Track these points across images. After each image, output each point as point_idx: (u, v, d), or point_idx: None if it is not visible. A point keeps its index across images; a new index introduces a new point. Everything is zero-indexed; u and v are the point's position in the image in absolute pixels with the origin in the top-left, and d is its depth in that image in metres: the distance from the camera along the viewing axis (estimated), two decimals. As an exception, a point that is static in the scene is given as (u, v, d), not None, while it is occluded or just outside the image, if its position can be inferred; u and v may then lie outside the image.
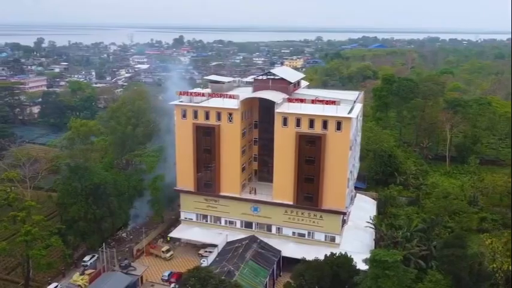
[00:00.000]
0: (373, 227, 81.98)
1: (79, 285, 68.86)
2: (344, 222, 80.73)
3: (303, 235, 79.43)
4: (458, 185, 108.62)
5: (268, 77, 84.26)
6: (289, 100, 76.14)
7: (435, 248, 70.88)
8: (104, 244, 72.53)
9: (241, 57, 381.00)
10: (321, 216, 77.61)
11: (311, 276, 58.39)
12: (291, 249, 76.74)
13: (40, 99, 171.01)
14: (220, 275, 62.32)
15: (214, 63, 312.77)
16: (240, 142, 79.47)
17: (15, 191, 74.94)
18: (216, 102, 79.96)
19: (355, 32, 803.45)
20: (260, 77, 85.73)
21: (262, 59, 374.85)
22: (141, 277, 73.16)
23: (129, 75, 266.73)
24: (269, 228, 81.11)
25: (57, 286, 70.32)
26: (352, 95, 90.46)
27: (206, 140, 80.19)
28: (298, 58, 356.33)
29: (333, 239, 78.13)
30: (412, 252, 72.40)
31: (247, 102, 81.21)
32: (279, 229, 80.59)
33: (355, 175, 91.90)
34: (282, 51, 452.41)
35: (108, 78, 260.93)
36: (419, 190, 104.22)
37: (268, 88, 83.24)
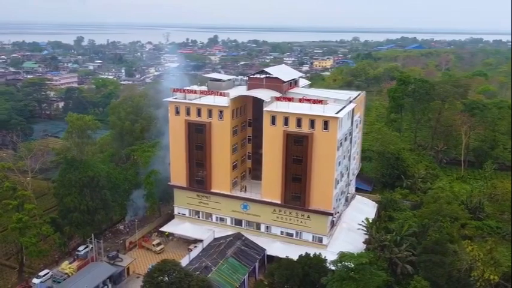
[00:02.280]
0: (365, 229, 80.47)
1: (66, 273, 71.49)
2: (332, 223, 79.67)
3: (291, 235, 79.02)
4: (468, 190, 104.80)
5: (263, 75, 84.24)
6: (277, 99, 75.96)
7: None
8: (93, 235, 74.77)
9: (271, 57, 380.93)
10: (308, 217, 76.94)
11: (281, 275, 58.13)
12: (276, 248, 76.47)
13: (63, 96, 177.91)
14: (195, 270, 63.38)
15: (242, 63, 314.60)
16: (230, 140, 79.93)
17: (11, 180, 78.35)
18: (208, 100, 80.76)
19: (395, 33, 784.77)
20: (255, 76, 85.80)
21: (292, 58, 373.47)
22: (128, 268, 75.12)
23: (157, 73, 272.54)
24: (258, 227, 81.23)
25: (48, 273, 73.26)
26: (350, 95, 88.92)
27: (198, 137, 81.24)
28: (328, 58, 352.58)
29: (320, 240, 77.25)
30: (399, 256, 70.76)
31: (240, 100, 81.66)
32: (267, 228, 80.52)
33: (351, 176, 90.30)
34: (315, 51, 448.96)
35: (137, 76, 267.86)
36: (426, 194, 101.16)
37: (262, 86, 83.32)
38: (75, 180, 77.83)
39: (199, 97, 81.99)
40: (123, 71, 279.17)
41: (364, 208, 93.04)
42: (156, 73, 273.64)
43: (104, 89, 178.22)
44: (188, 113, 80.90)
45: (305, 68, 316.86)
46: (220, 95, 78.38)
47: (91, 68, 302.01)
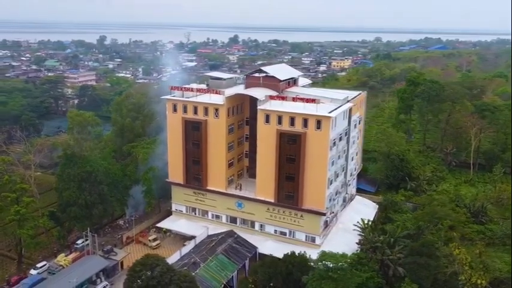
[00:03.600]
0: (360, 230, 79.73)
1: (61, 265, 73.29)
2: (326, 223, 79.22)
3: (284, 233, 78.96)
4: (473, 194, 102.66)
5: (260, 74, 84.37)
6: (271, 97, 76.02)
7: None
8: (88, 229, 76.38)
9: (290, 57, 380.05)
10: (301, 216, 76.74)
11: (263, 273, 58.27)
12: (269, 247, 76.48)
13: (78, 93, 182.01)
14: (184, 266, 64.12)
15: (259, 62, 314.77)
16: (226, 138, 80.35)
17: (12, 174, 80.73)
18: (204, 98, 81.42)
19: (419, 33, 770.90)
20: (252, 74, 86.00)
21: (311, 58, 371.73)
22: (122, 262, 76.36)
23: (174, 72, 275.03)
24: (252, 225, 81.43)
25: (45, 265, 75.32)
26: (349, 95, 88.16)
27: (194, 134, 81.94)
28: (346, 58, 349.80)
29: (313, 240, 76.97)
30: (391, 258, 69.81)
31: (237, 99, 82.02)
32: (261, 226, 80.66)
33: (349, 177, 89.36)
34: (335, 51, 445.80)
35: (154, 75, 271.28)
36: (430, 197, 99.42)
37: (259, 85, 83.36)
38: (74, 175, 79.64)
39: (196, 95, 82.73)
40: (140, 69, 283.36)
41: (364, 209, 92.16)
42: (173, 72, 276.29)
43: (118, 87, 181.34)
44: (185, 111, 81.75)
45: (322, 68, 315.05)
46: (216, 93, 78.91)
47: (110, 66, 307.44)
